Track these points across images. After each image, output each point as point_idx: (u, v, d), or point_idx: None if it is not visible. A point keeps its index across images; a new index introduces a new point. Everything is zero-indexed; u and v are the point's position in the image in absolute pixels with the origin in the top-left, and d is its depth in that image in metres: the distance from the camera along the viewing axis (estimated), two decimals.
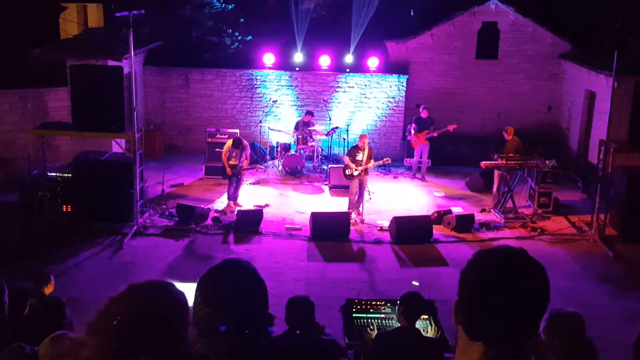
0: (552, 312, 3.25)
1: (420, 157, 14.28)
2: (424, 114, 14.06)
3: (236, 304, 2.06)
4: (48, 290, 6.14)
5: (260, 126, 15.32)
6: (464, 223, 11.20)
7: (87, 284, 8.69)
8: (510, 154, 11.82)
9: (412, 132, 14.11)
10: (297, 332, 4.68)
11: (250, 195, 12.75)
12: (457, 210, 12.02)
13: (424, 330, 5.28)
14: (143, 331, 1.74)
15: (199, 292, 2.10)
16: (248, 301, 2.11)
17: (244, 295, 2.10)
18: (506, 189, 11.94)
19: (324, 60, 15.79)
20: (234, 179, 12.03)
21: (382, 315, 5.72)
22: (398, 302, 5.00)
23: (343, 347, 5.21)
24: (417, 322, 4.95)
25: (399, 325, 5.21)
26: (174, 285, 1.91)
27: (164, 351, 1.78)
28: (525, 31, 16.12)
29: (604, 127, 11.00)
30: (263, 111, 15.87)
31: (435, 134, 13.89)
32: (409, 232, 10.61)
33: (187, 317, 1.92)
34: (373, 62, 15.74)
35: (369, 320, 5.63)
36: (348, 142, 14.49)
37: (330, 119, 15.27)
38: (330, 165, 13.85)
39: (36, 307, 4.90)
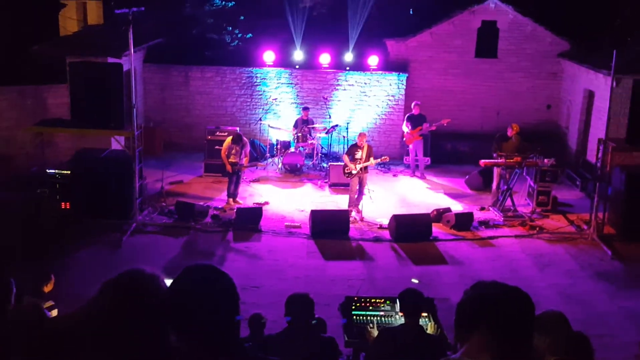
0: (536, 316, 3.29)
1: (416, 155, 14.32)
2: (415, 111, 14.09)
3: (197, 316, 2.00)
4: (48, 288, 6.15)
5: (260, 124, 15.34)
6: (463, 221, 11.22)
7: (85, 282, 8.66)
8: (510, 152, 11.85)
9: (407, 129, 14.12)
10: (294, 330, 4.69)
11: (250, 193, 12.76)
12: (456, 208, 12.05)
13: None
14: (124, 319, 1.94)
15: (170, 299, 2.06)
16: (210, 312, 2.02)
17: (204, 306, 2.01)
18: (505, 187, 11.96)
19: (324, 58, 15.79)
20: (233, 177, 12.04)
21: (382, 313, 5.74)
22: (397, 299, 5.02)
23: (339, 347, 5.22)
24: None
25: (398, 322, 5.24)
26: (144, 271, 2.03)
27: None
28: (524, 30, 16.13)
29: (603, 126, 11.01)
30: (263, 109, 15.87)
31: (433, 128, 13.92)
32: (409, 230, 10.63)
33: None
34: (373, 60, 15.74)
35: (369, 318, 5.64)
36: (348, 140, 14.50)
37: (330, 117, 15.28)
38: (330, 163, 13.86)
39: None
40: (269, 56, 15.75)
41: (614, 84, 10.78)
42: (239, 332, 2.12)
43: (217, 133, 13.87)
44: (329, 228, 10.69)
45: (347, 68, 15.92)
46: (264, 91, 15.96)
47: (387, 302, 5.86)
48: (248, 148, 12.31)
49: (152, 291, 2.02)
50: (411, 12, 17.96)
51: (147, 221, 11.08)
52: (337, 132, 14.95)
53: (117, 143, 11.61)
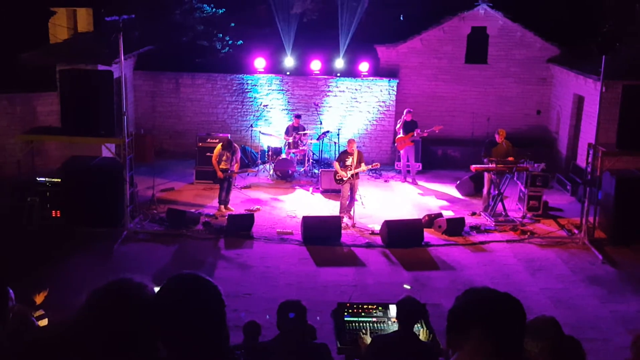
0: (528, 321, 3.31)
1: (408, 160, 14.38)
2: (407, 117, 14.16)
3: (182, 326, 1.98)
4: (39, 299, 6.10)
5: (251, 130, 15.33)
6: (455, 226, 11.24)
7: (76, 290, 8.58)
8: (500, 157, 11.91)
9: (400, 134, 14.18)
10: (286, 337, 4.68)
11: (241, 200, 12.74)
12: (447, 213, 12.08)
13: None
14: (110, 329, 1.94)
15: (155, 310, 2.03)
16: (195, 321, 1.99)
17: (188, 316, 1.98)
18: (496, 192, 12.01)
19: (315, 65, 15.82)
20: (225, 183, 12.02)
21: (374, 319, 5.72)
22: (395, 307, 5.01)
23: (332, 354, 5.20)
24: None
25: (391, 329, 5.23)
26: (130, 280, 2.03)
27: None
28: (514, 36, 16.24)
29: (593, 131, 11.09)
30: (254, 115, 15.87)
31: (424, 134, 13.99)
32: (400, 235, 10.63)
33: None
34: (364, 66, 15.79)
35: (361, 324, 5.63)
36: (339, 146, 14.52)
37: (321, 123, 15.30)
38: (321, 169, 13.86)
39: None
40: (259, 63, 15.77)
41: (604, 89, 10.86)
42: (228, 340, 2.10)
43: (208, 140, 13.85)
44: (320, 234, 10.68)
45: (338, 74, 15.95)
46: (254, 98, 15.97)
47: (380, 308, 5.84)
48: (239, 154, 12.30)
49: (140, 300, 2.00)
50: (401, 19, 18.05)
51: (139, 229, 11.03)
52: (328, 138, 14.97)
53: (107, 151, 11.56)
